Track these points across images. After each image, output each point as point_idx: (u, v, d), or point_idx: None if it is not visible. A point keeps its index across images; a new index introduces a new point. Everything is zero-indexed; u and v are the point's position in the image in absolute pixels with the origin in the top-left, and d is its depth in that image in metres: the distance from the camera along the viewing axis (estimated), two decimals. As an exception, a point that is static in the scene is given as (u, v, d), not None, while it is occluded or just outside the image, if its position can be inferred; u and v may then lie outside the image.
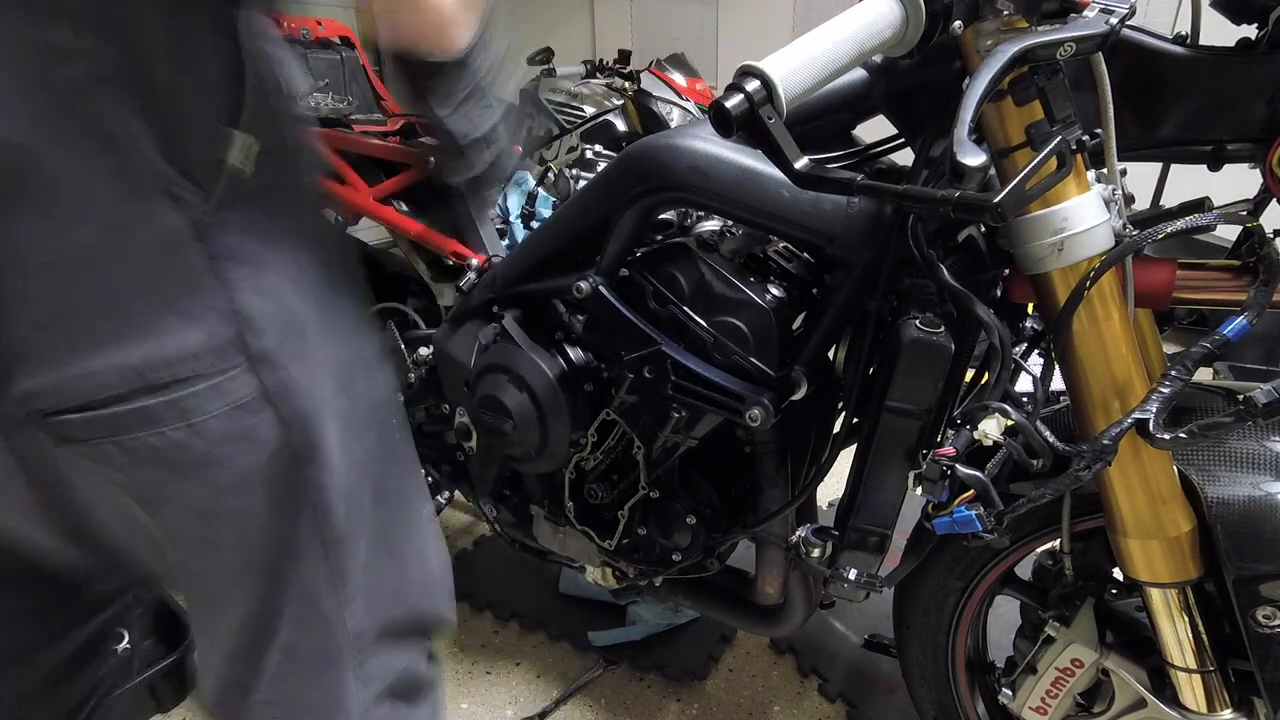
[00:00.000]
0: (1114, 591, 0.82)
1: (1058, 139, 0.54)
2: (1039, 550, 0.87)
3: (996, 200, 0.49)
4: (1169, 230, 0.61)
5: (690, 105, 2.86)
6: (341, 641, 0.62)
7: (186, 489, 0.51)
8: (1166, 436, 0.61)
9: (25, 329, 0.44)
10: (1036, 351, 0.86)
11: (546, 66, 3.05)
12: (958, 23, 0.55)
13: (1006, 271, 0.76)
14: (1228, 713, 0.74)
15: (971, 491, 0.67)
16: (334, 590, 0.60)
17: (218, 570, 0.57)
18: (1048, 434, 0.63)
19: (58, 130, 0.41)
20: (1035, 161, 0.52)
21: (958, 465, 0.65)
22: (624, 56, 3.12)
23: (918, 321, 0.70)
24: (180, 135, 0.45)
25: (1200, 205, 0.67)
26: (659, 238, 0.89)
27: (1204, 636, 0.73)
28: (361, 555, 0.61)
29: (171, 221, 0.45)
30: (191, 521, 0.54)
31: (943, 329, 0.69)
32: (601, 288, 0.85)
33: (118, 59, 0.42)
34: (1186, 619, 0.72)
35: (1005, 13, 0.56)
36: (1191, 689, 0.74)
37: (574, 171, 1.00)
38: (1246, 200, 0.65)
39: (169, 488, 0.51)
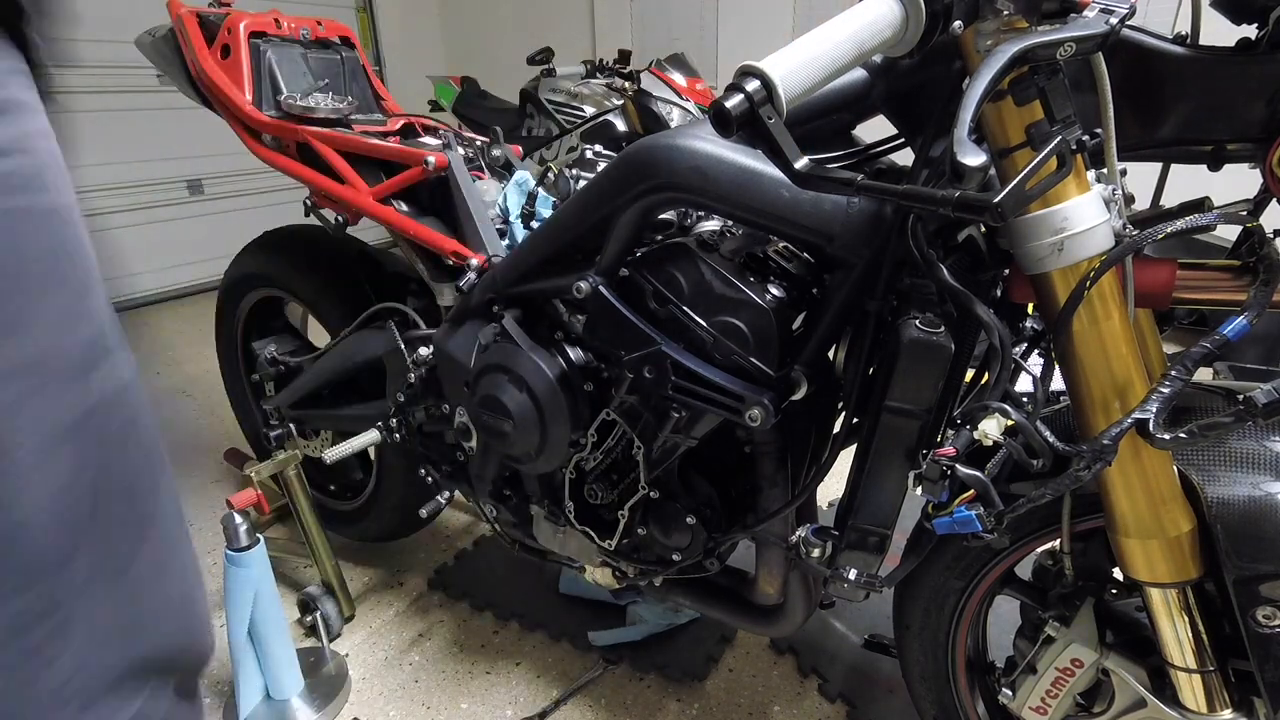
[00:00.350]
0: (1114, 591, 0.82)
1: (1058, 139, 0.55)
2: (1039, 550, 0.87)
3: (996, 200, 0.49)
4: (1169, 230, 0.61)
5: (690, 105, 2.86)
6: (42, 693, 0.53)
7: None
8: (1166, 436, 0.61)
9: None
10: (1036, 351, 0.86)
11: (546, 66, 3.05)
12: (958, 23, 0.55)
13: (1006, 271, 0.76)
14: (1228, 713, 0.74)
15: (971, 491, 0.67)
16: (23, 634, 0.52)
17: None
18: (1048, 434, 0.63)
19: None
20: (1035, 161, 0.52)
21: (958, 465, 0.65)
22: (624, 56, 3.12)
23: (918, 321, 0.70)
24: None
25: (1200, 205, 0.67)
26: (659, 238, 0.89)
27: (1204, 636, 0.73)
28: (78, 582, 0.54)
29: None
30: None
31: (943, 329, 0.69)
32: (601, 288, 0.85)
33: None
34: (1186, 619, 0.72)
35: (1005, 13, 0.56)
36: (1191, 689, 0.74)
37: (574, 171, 1.00)
38: (1246, 200, 0.65)
39: None
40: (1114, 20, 0.53)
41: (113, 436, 0.56)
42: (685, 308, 0.82)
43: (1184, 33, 0.66)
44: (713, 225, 0.88)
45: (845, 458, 0.83)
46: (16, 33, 0.50)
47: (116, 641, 0.57)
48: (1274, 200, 0.64)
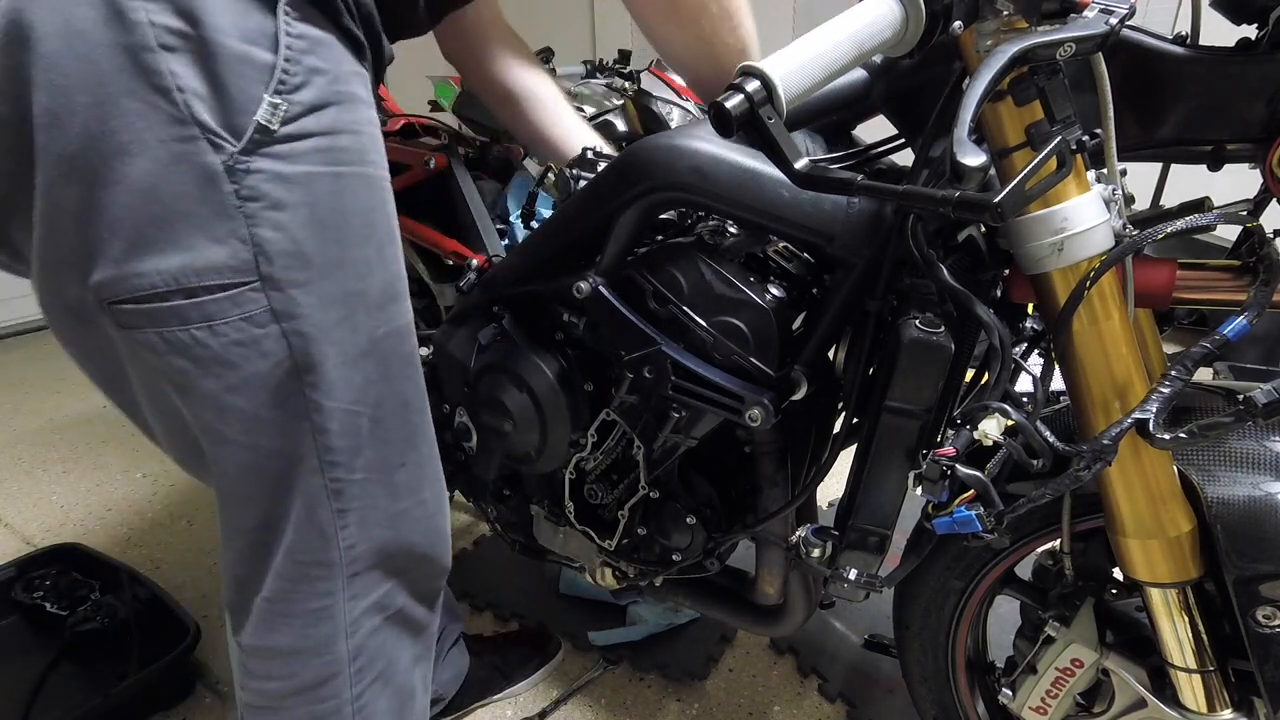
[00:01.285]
0: (1114, 591, 0.82)
1: (1058, 139, 0.54)
2: (1039, 550, 0.87)
3: (996, 200, 0.49)
4: (1169, 230, 0.61)
5: (690, 105, 2.86)
6: (334, 554, 0.70)
7: (205, 382, 0.63)
8: (1166, 436, 0.61)
9: (101, 230, 0.57)
10: (1036, 351, 0.86)
11: (547, 66, 3.05)
12: (958, 23, 0.55)
13: (1006, 271, 0.76)
14: (1228, 713, 0.74)
15: (971, 491, 0.67)
16: (329, 502, 0.69)
17: (230, 463, 0.68)
18: (1048, 434, 0.63)
19: (129, 84, 0.53)
20: (1035, 161, 0.52)
21: (958, 465, 0.65)
22: (624, 56, 3.12)
23: (918, 321, 0.70)
24: (222, 93, 0.56)
25: (1200, 205, 0.66)
26: (659, 238, 0.89)
27: (1204, 636, 0.73)
28: (357, 475, 0.69)
29: (209, 161, 0.56)
30: (209, 412, 0.65)
31: (943, 329, 0.69)
32: (601, 288, 0.85)
33: (180, 28, 0.54)
34: (1186, 619, 0.73)
35: (1005, 13, 0.56)
36: (1191, 689, 0.74)
37: (574, 171, 1.00)
38: (1246, 200, 0.65)
39: (193, 378, 0.62)
40: (1114, 20, 0.53)
41: (395, 363, 0.70)
42: (685, 308, 0.82)
43: (1184, 33, 0.66)
44: (713, 225, 0.87)
45: (845, 458, 0.83)
46: (357, 41, 0.64)
47: (380, 530, 0.72)
48: (1274, 200, 0.64)
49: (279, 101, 0.57)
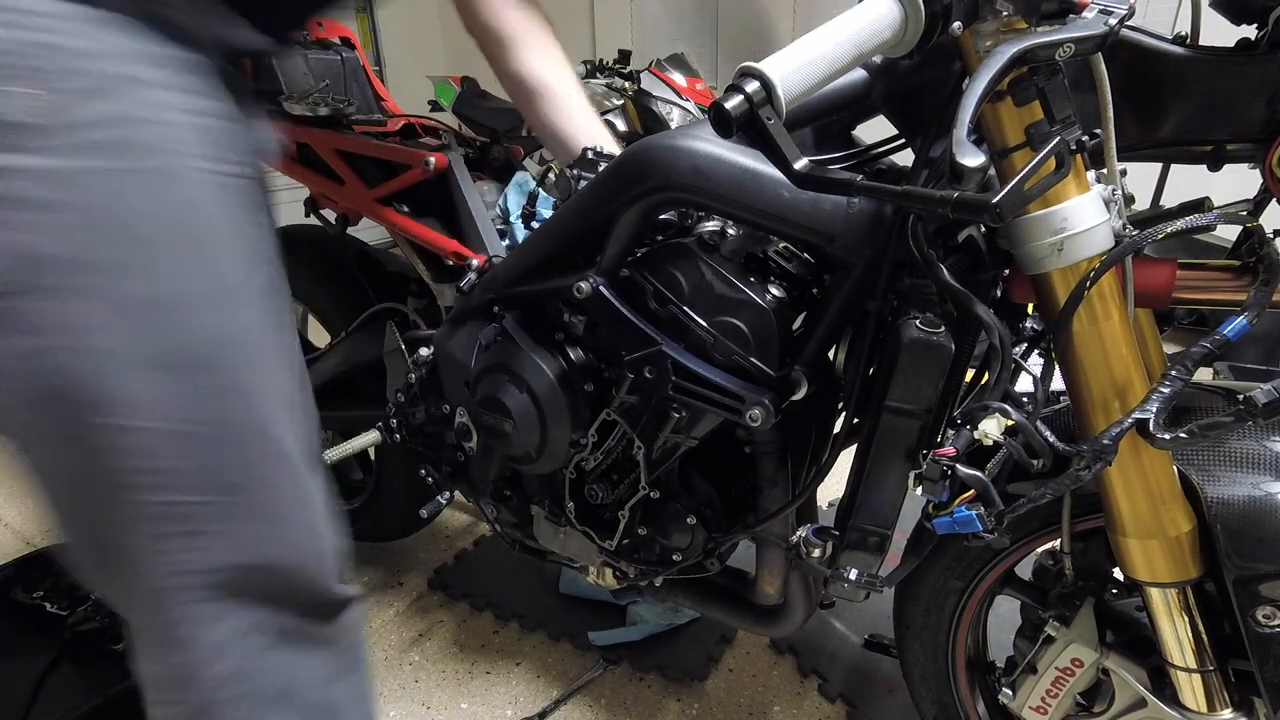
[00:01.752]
0: (1114, 591, 0.82)
1: (1057, 139, 0.54)
2: (1039, 550, 0.87)
3: (996, 200, 0.49)
4: (1169, 230, 0.61)
5: (690, 105, 2.86)
6: (181, 579, 0.64)
7: None
8: (1166, 436, 0.61)
9: None
10: (1036, 351, 0.86)
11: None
12: (957, 23, 0.55)
13: (1006, 271, 0.76)
14: (1228, 713, 0.74)
15: (971, 491, 0.67)
16: (163, 525, 0.62)
17: (44, 486, 0.63)
18: (1048, 434, 0.63)
19: None
20: (1034, 162, 0.52)
21: (958, 465, 0.65)
22: (624, 56, 3.12)
23: (918, 321, 0.70)
24: None
25: (1200, 205, 0.67)
26: (659, 238, 0.89)
27: (1204, 636, 0.73)
28: (191, 498, 0.62)
29: None
30: (7, 428, 0.60)
31: (943, 329, 0.69)
32: (602, 288, 0.85)
33: None
34: (1186, 619, 0.73)
35: (1005, 13, 0.56)
36: (1191, 689, 0.74)
37: (574, 171, 1.00)
38: (1246, 200, 0.65)
39: None
40: (1113, 21, 0.53)
41: (227, 376, 0.63)
42: (686, 308, 0.82)
43: (1184, 33, 0.66)
44: (713, 225, 0.88)
45: (845, 458, 0.83)
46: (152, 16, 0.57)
47: (236, 554, 0.66)
48: (1274, 200, 0.64)
49: (11, 90, 0.51)
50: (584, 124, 1.07)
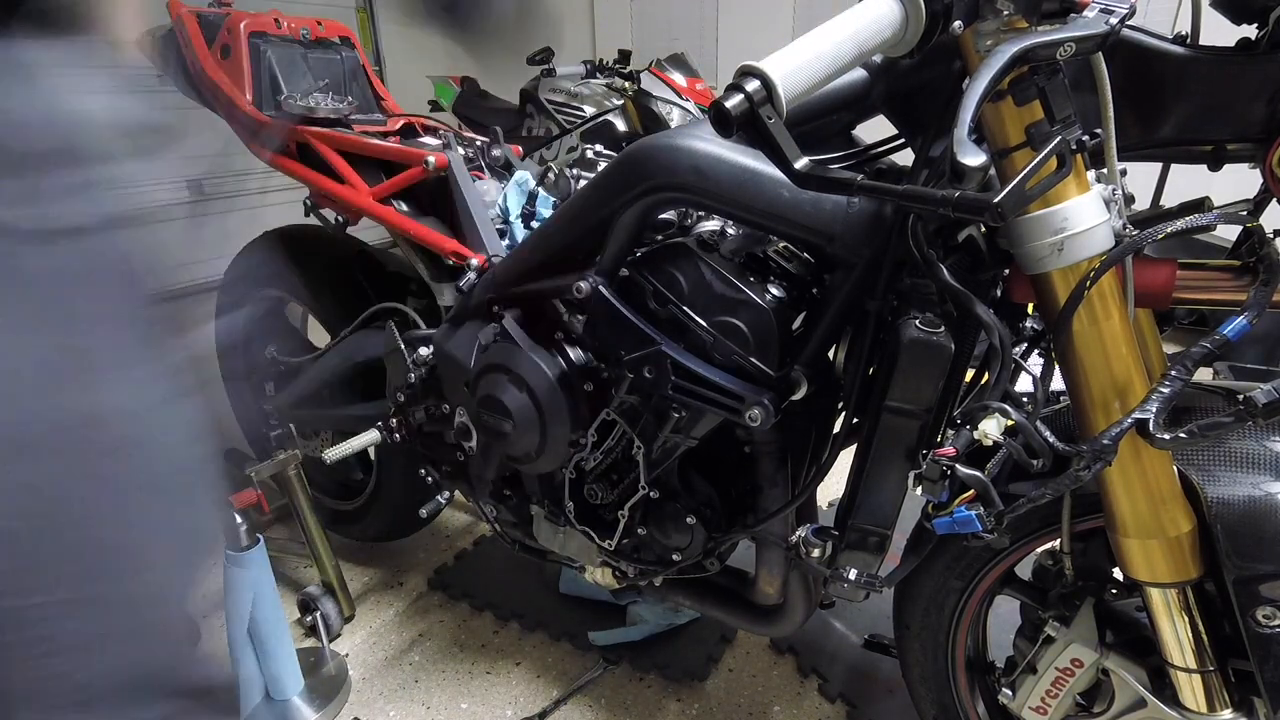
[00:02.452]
0: (1114, 591, 0.82)
1: (1058, 139, 0.54)
2: (1039, 550, 0.87)
3: (996, 200, 0.49)
4: (1169, 230, 0.61)
5: (690, 105, 2.86)
6: (47, 685, 0.59)
7: None
8: (1166, 436, 0.60)
9: None
10: (1036, 351, 0.86)
11: (546, 66, 3.05)
12: (958, 23, 0.55)
13: (1006, 271, 0.76)
14: (1228, 713, 0.74)
15: (971, 491, 0.67)
16: (15, 631, 0.57)
17: None
18: (1048, 434, 0.63)
19: None
20: (1035, 161, 0.52)
21: (958, 465, 0.65)
22: (624, 56, 3.12)
23: (918, 321, 0.70)
24: None
25: (1200, 205, 0.67)
26: (659, 238, 0.89)
27: (1204, 636, 0.73)
28: (31, 597, 0.56)
29: None
30: None
31: (943, 329, 0.69)
32: (601, 288, 0.85)
33: None
34: (1186, 619, 0.72)
35: (1005, 13, 0.56)
36: (1191, 689, 0.74)
37: (574, 171, 1.00)
38: (1246, 200, 0.65)
39: None
40: (1114, 20, 0.53)
41: (74, 465, 0.56)
42: (685, 308, 0.82)
43: (1184, 33, 0.66)
44: (713, 225, 0.88)
45: (845, 458, 0.83)
46: None
47: (105, 655, 0.60)
48: (1274, 200, 0.64)
49: None
50: None
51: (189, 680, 0.69)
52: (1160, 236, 0.61)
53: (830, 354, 0.81)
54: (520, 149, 1.40)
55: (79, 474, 0.58)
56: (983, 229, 0.73)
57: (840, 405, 0.87)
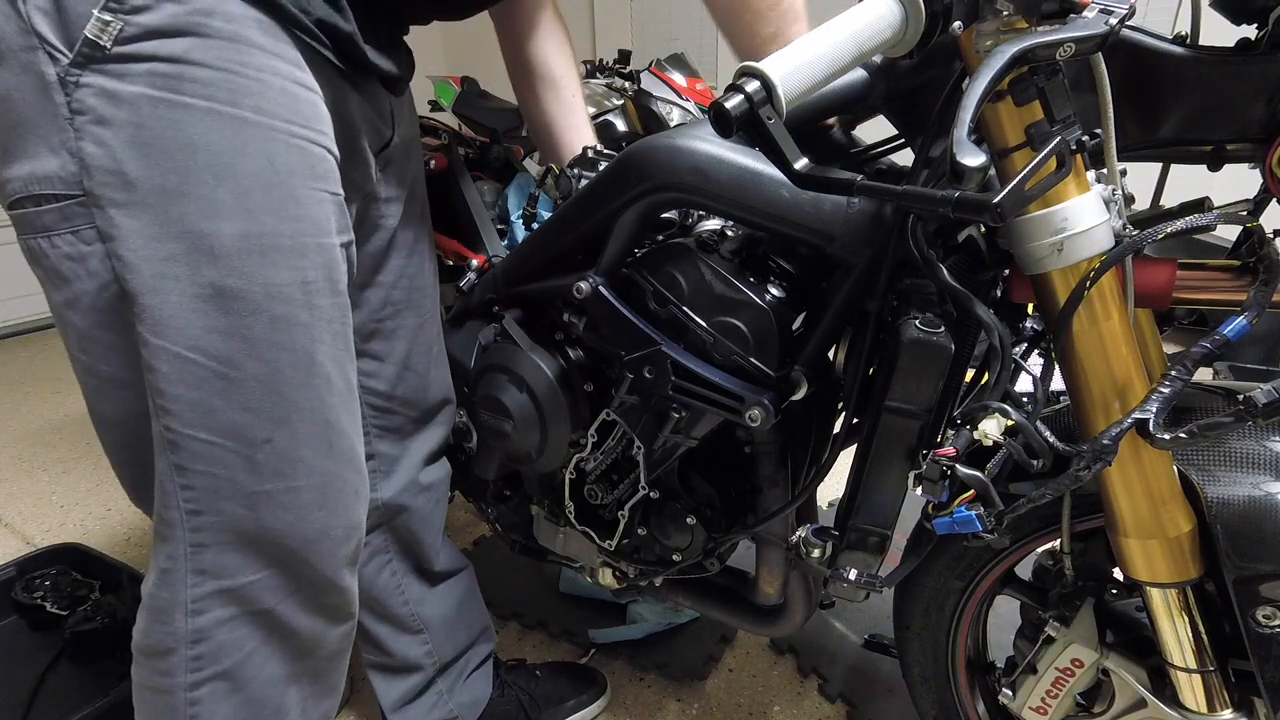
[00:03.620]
0: (1114, 591, 0.82)
1: (1057, 139, 0.54)
2: (1039, 550, 0.87)
3: (996, 200, 0.49)
4: (1169, 230, 0.61)
5: (690, 105, 2.86)
6: (174, 514, 0.67)
7: (51, 294, 0.65)
8: (1166, 436, 0.61)
9: None
10: (1036, 351, 0.86)
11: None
12: (957, 23, 0.55)
13: (1006, 271, 0.76)
14: (1228, 713, 0.74)
15: (971, 491, 0.67)
16: (165, 453, 0.66)
17: (85, 380, 0.68)
18: (1048, 434, 0.63)
19: None
20: (1035, 162, 0.52)
21: (958, 465, 0.65)
22: (624, 56, 3.12)
23: (918, 321, 0.70)
24: (60, 5, 0.58)
25: (1200, 205, 0.66)
26: (659, 238, 0.89)
27: (1204, 636, 0.73)
28: (198, 434, 0.65)
29: (46, 72, 0.58)
30: (59, 324, 0.66)
31: (943, 329, 0.69)
32: (601, 288, 0.85)
33: None
34: (1186, 619, 0.72)
35: (1005, 13, 0.56)
36: (1191, 689, 0.74)
37: (574, 171, 1.00)
38: (1246, 200, 0.65)
39: (46, 289, 0.65)
40: (1114, 20, 0.53)
41: (258, 324, 0.65)
42: (685, 308, 0.82)
43: (1184, 33, 0.66)
44: (713, 225, 0.88)
45: (845, 458, 0.83)
46: None
47: (233, 505, 0.67)
48: (1274, 200, 0.64)
49: (109, 19, 0.57)
50: (580, 125, 1.09)
51: (324, 581, 0.75)
52: (1160, 236, 0.61)
53: (830, 354, 0.81)
54: (520, 149, 1.40)
55: (263, 339, 0.66)
56: (983, 229, 0.73)
57: (840, 405, 0.87)
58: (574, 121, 1.10)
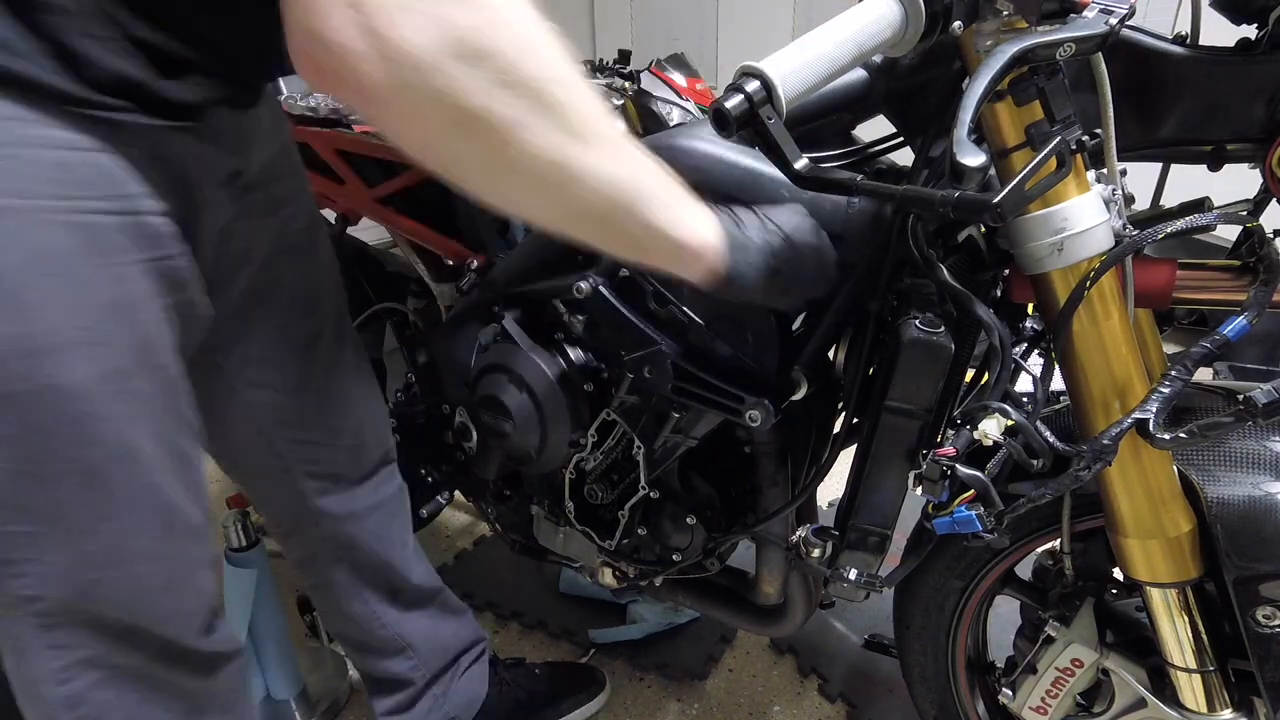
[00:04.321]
0: (1114, 591, 0.82)
1: (1057, 139, 0.54)
2: (1039, 550, 0.87)
3: (996, 200, 0.49)
4: (1169, 230, 0.61)
5: (690, 105, 2.85)
6: (10, 599, 0.63)
7: None
8: (1166, 436, 0.61)
9: None
10: (1036, 351, 0.86)
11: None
12: (958, 23, 0.55)
13: (1006, 271, 0.76)
14: (1228, 713, 0.74)
15: (971, 491, 0.67)
16: None
17: None
18: (1048, 434, 0.63)
19: None
20: (1035, 162, 0.52)
21: (958, 465, 0.65)
22: (624, 56, 3.11)
23: (918, 321, 0.70)
24: None
25: (1200, 205, 0.67)
26: (659, 238, 0.89)
27: (1204, 636, 0.73)
28: (19, 527, 0.61)
29: None
30: None
31: (943, 329, 0.69)
32: (601, 288, 0.85)
33: None
34: (1186, 619, 0.73)
35: (1005, 13, 0.56)
36: (1191, 689, 0.74)
37: (574, 171, 1.00)
38: (1246, 200, 0.65)
39: None
40: (1114, 20, 0.53)
41: (57, 424, 0.59)
42: (685, 308, 0.82)
43: (1184, 33, 0.66)
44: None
45: (845, 458, 0.83)
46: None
47: (66, 590, 0.64)
48: (1274, 200, 0.64)
49: None
50: None
51: (180, 647, 0.72)
52: (1160, 236, 0.61)
53: (830, 354, 0.81)
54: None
55: (65, 438, 0.60)
56: (983, 229, 0.73)
57: (840, 405, 0.87)
58: None
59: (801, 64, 0.53)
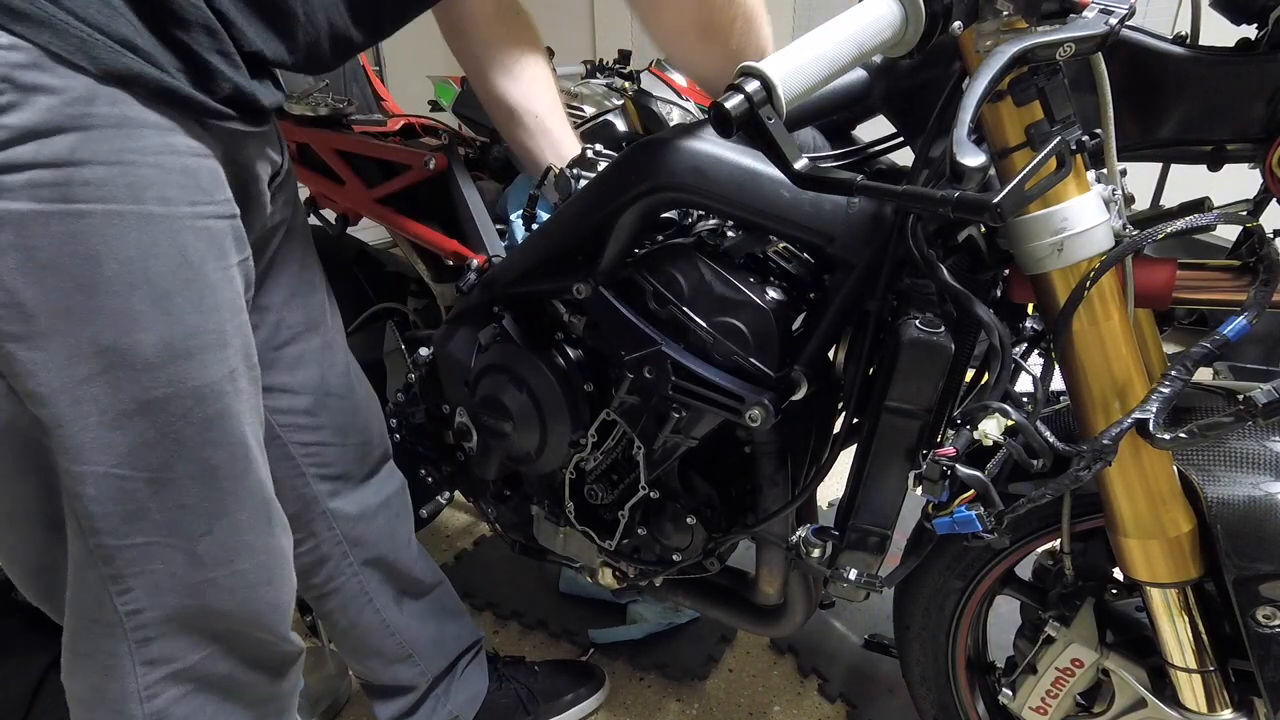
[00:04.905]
0: (1114, 591, 0.82)
1: (1057, 139, 0.54)
2: (1039, 550, 0.87)
3: (996, 200, 0.49)
4: (1169, 230, 0.61)
5: (690, 105, 2.85)
6: (112, 615, 0.65)
7: None
8: (1166, 436, 0.61)
9: None
10: (1036, 351, 0.86)
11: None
12: (958, 23, 0.55)
13: (1006, 271, 0.76)
14: (1228, 713, 0.74)
15: (971, 491, 0.67)
16: (98, 566, 0.63)
17: None
18: (1048, 434, 0.63)
19: None
20: (1035, 162, 0.52)
21: (958, 465, 0.65)
22: (624, 56, 3.12)
23: (918, 321, 0.70)
24: None
25: (1200, 205, 0.67)
26: (659, 238, 0.89)
27: (1204, 636, 0.73)
28: (135, 540, 0.62)
29: None
30: None
31: (943, 329, 0.69)
32: (601, 288, 0.85)
33: None
34: (1186, 619, 0.73)
35: (1005, 13, 0.56)
36: (1191, 689, 0.74)
37: (574, 171, 1.00)
38: (1246, 200, 0.65)
39: None
40: (1114, 20, 0.53)
41: (188, 427, 0.62)
42: (685, 308, 0.82)
43: (1184, 33, 0.66)
44: (713, 225, 0.88)
45: (845, 458, 0.83)
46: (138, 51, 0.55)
47: (177, 597, 0.66)
48: (1274, 200, 0.64)
49: None
50: (549, 146, 1.05)
51: (272, 647, 0.75)
52: (1160, 236, 0.61)
53: (830, 354, 0.81)
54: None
55: (193, 440, 0.63)
56: (983, 229, 0.73)
57: (840, 405, 0.87)
58: (543, 144, 1.05)
59: (801, 64, 0.53)
